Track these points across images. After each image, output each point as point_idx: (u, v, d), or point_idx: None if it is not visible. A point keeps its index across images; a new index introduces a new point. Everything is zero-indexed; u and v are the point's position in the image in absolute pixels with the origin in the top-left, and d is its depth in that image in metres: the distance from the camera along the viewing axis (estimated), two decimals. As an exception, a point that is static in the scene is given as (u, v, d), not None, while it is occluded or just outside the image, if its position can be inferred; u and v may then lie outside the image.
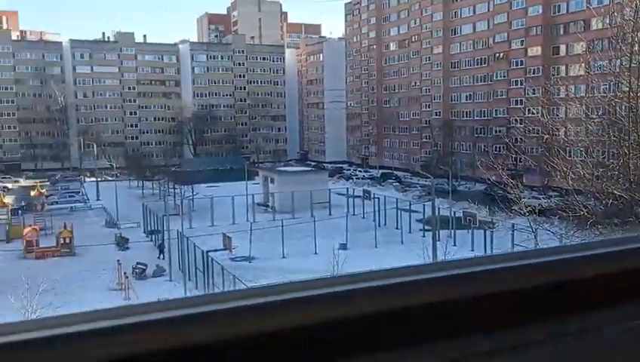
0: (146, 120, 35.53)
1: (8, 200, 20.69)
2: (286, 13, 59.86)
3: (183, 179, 25.18)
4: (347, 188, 25.07)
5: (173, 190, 22.98)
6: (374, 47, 41.15)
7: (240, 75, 42.12)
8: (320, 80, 45.56)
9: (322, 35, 54.86)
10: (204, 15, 59.06)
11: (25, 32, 41.62)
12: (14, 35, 37.98)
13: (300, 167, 31.62)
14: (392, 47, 39.95)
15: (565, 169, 8.04)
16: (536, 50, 29.60)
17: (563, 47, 28.13)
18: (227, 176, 28.13)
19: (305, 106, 47.45)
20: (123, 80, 35.00)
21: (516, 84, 30.11)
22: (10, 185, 27.09)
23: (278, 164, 34.71)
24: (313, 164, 37.43)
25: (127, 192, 24.69)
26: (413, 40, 37.82)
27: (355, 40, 43.59)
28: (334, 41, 47.75)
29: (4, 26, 39.81)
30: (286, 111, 45.64)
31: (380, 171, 35.20)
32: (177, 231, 14.84)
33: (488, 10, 32.39)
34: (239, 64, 41.84)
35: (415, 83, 37.35)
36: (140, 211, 19.81)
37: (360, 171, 36.15)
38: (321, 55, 46.07)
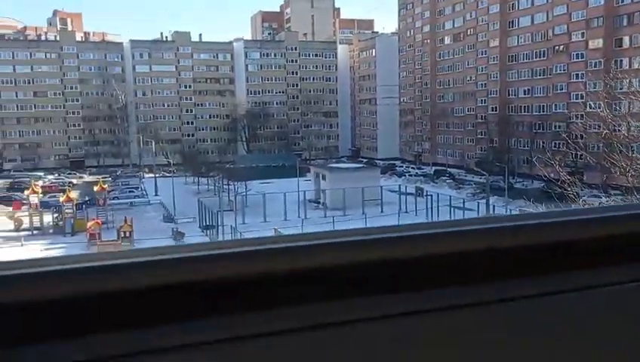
0: (202, 117, 36.03)
1: (73, 195, 21.64)
2: (338, 9, 59.86)
3: (237, 175, 25.66)
4: (399, 186, 24.86)
5: (227, 186, 23.47)
6: (428, 41, 40.53)
7: (292, 72, 42.35)
8: (372, 76, 45.28)
9: (375, 30, 54.54)
10: (258, 13, 59.80)
11: (88, 33, 43.28)
12: (78, 37, 39.51)
13: (351, 163, 31.59)
14: (447, 40, 39.23)
15: (626, 166, 7.72)
16: (597, 43, 28.41)
17: (626, 39, 26.90)
18: (279, 172, 28.46)
19: (357, 103, 47.25)
20: (180, 78, 35.70)
21: (576, 78, 28.99)
22: (75, 181, 28.25)
23: (330, 161, 34.81)
24: (365, 160, 37.28)
25: (183, 188, 25.40)
26: (468, 33, 37.03)
27: (408, 34, 43.06)
28: (387, 36, 47.34)
29: (70, 28, 41.48)
30: (338, 107, 45.61)
31: (433, 168, 34.70)
32: (231, 226, 15.17)
33: (547, 2, 31.34)
34: (292, 61, 42.08)
35: (470, 77, 36.58)
36: (195, 206, 20.33)
37: (412, 168, 35.73)
38: (373, 50, 45.76)
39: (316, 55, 44.50)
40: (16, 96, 35.57)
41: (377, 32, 53.62)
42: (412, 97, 42.48)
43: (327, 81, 44.95)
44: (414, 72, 42.29)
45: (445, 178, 30.88)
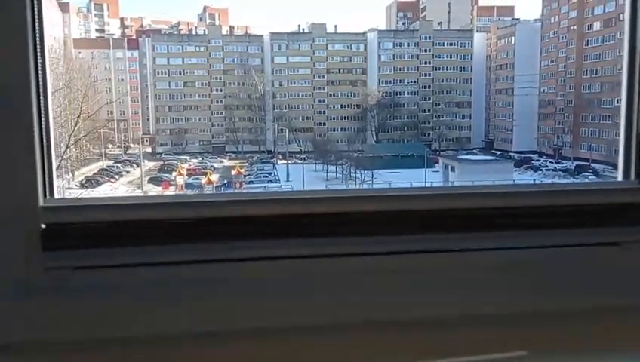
0: (333, 107, 40.37)
1: (214, 178, 23.31)
2: (477, -5, 57.20)
3: (364, 164, 25.94)
4: (534, 180, 23.43)
5: (354, 174, 23.88)
6: (574, 27, 37.30)
7: (425, 62, 41.37)
8: (510, 65, 42.76)
9: (515, 17, 51.44)
10: (394, 2, 58.95)
11: (233, 27, 46.01)
12: (224, 30, 42.13)
13: (483, 155, 30.32)
14: (596, 26, 35.83)
15: None
16: None
17: None
18: (407, 162, 28.16)
19: (492, 93, 44.94)
20: (314, 69, 40.62)
21: None
22: (216, 165, 30.33)
23: (461, 152, 33.62)
24: (498, 153, 35.45)
25: (312, 175, 26.20)
26: (621, 19, 33.47)
27: (552, 21, 39.98)
28: (528, 23, 44.37)
29: (216, 22, 44.32)
30: (472, 97, 43.67)
31: (575, 163, 32.05)
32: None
33: None
34: (425, 50, 41.12)
35: (621, 66, 33.04)
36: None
37: (551, 162, 33.28)
38: (512, 38, 43.15)
39: (451, 44, 42.95)
40: (169, 86, 38.85)
41: (518, 19, 50.52)
42: (554, 87, 39.47)
43: (461, 70, 43.22)
44: (557, 61, 39.22)
45: (588, 174, 28.42)
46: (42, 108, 0.66)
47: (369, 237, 0.60)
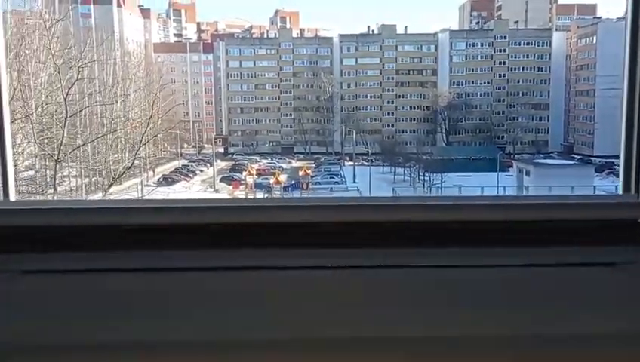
0: (402, 108, 40.23)
1: (282, 178, 23.71)
2: (557, -7, 54.82)
3: (434, 167, 25.44)
4: (616, 186, 22.13)
5: (422, 177, 23.46)
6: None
7: (500, 62, 40.14)
8: (592, 65, 40.60)
9: (597, 15, 48.88)
10: (467, 2, 57.60)
11: (303, 29, 46.59)
12: (294, 33, 42.80)
13: (561, 159, 29.03)
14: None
15: None
16: None
17: None
18: (479, 166, 27.38)
19: (572, 94, 42.86)
20: (383, 70, 40.63)
21: None
22: (284, 165, 30.86)
23: (537, 156, 32.29)
24: (578, 157, 33.77)
25: (379, 177, 26.06)
26: None
27: None
28: (611, 22, 41.98)
29: (287, 26, 45.14)
30: (549, 99, 41.96)
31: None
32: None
33: None
34: (500, 50, 39.90)
35: None
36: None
37: (637, 168, 31.26)
38: (594, 37, 41.00)
39: (528, 43, 41.45)
40: (241, 88, 40.02)
41: (600, 17, 47.95)
42: (641, 88, 37.04)
43: (538, 70, 41.60)
44: (646, 60, 36.79)
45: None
46: None
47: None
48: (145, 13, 18.22)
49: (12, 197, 0.67)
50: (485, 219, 0.56)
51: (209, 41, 23.60)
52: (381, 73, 35.21)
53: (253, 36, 29.31)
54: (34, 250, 0.63)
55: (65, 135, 6.45)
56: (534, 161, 22.58)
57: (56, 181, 6.50)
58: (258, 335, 0.55)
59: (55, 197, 5.89)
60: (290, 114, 33.73)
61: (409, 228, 0.57)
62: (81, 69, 7.17)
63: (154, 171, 11.60)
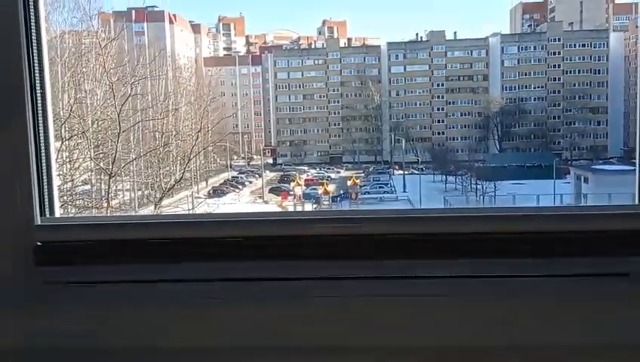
0: (453, 115, 39.70)
1: (330, 188, 23.70)
2: (614, -9, 52.91)
3: (486, 174, 24.90)
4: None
5: (475, 185, 22.96)
6: None
7: (554, 65, 38.95)
8: (654, 65, 39.06)
9: (660, 12, 46.87)
10: (519, 5, 56.48)
11: (351, 38, 46.76)
12: (342, 43, 43.08)
13: (622, 165, 27.84)
14: None
15: None
16: None
17: None
18: (534, 173, 26.61)
19: (631, 97, 41.10)
20: (432, 77, 40.19)
21: None
22: (332, 175, 30.95)
23: (595, 162, 31.08)
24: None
25: (430, 186, 25.70)
26: None
27: None
28: (676, 18, 40.27)
29: (335, 35, 45.44)
30: (608, 102, 40.38)
31: None
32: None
33: None
34: (554, 53, 38.74)
35: None
36: (441, 205, 20.29)
37: None
38: (657, 36, 39.42)
39: (583, 45, 40.09)
40: (289, 99, 40.48)
41: (663, 14, 46.01)
42: None
43: (595, 73, 40.10)
44: None
45: None
46: (40, 130, 0.71)
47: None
48: (195, 28, 18.78)
49: (57, 213, 0.75)
50: (496, 231, 0.58)
51: (257, 54, 24.06)
52: (430, 80, 34.95)
53: (301, 47, 29.63)
54: (79, 262, 0.69)
55: (118, 150, 6.63)
56: (592, 167, 21.74)
57: (110, 194, 6.66)
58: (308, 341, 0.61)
59: (108, 211, 6.08)
60: (339, 123, 33.85)
61: (430, 239, 0.61)
62: (134, 86, 7.39)
63: (207, 182, 11.91)
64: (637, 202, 0.75)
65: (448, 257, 0.64)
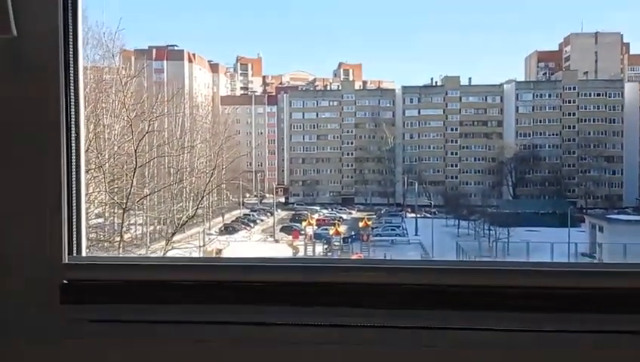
0: (466, 160, 39.35)
1: (342, 229, 23.60)
2: (628, 44, 53.21)
3: (500, 220, 24.65)
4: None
5: (487, 231, 22.72)
6: None
7: (569, 113, 38.92)
8: (670, 116, 38.93)
9: (675, 63, 47.03)
10: (534, 53, 56.91)
11: (366, 81, 47.30)
12: (357, 85, 43.60)
13: (637, 215, 27.57)
14: None
15: None
16: None
17: None
18: (548, 220, 26.32)
19: (648, 146, 41.06)
20: (447, 121, 40.18)
21: None
22: (344, 216, 30.83)
23: (611, 211, 30.71)
24: (657, 213, 32.01)
25: (442, 230, 25.45)
26: None
27: None
28: (692, 70, 40.37)
29: (350, 78, 46.06)
30: (623, 151, 40.11)
31: None
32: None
33: None
34: (569, 101, 38.79)
35: None
36: (453, 249, 20.07)
37: None
38: (672, 87, 39.42)
39: (598, 94, 40.08)
40: (303, 139, 40.74)
41: (679, 66, 46.12)
42: None
43: (610, 122, 39.98)
44: None
45: None
46: (73, 168, 0.73)
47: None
48: (214, 67, 19.21)
49: (84, 252, 0.77)
50: (516, 285, 0.59)
51: (273, 94, 24.45)
52: (444, 124, 35.07)
53: (317, 88, 30.05)
54: (104, 301, 0.72)
55: (134, 184, 6.69)
56: (608, 216, 21.50)
57: (123, 229, 6.69)
58: None
59: (121, 245, 6.10)
60: (352, 164, 33.93)
61: (442, 291, 0.62)
62: (152, 122, 7.49)
63: (223, 217, 11.99)
64: None
65: (453, 308, 0.65)
